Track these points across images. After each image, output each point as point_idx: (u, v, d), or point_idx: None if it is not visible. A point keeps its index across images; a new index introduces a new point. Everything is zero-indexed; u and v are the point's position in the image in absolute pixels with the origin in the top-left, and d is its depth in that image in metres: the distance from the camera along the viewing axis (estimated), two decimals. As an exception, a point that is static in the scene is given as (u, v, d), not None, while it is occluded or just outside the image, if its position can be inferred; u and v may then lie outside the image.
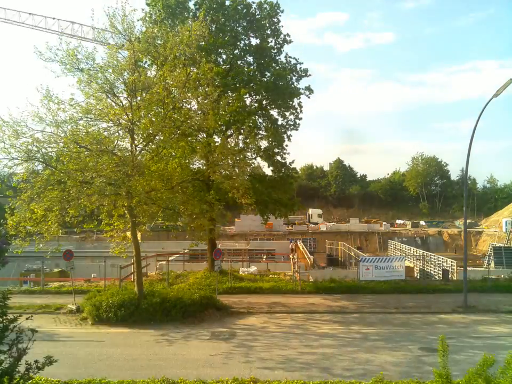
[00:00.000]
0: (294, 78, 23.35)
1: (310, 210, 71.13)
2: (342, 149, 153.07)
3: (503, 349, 11.59)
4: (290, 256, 28.31)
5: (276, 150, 23.41)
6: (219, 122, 21.09)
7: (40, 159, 14.31)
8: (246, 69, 23.09)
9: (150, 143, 16.14)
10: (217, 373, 10.43)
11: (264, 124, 23.57)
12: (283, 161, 23.73)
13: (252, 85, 22.71)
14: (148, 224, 18.86)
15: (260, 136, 23.11)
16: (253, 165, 21.75)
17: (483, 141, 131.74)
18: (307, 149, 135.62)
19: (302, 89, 23.55)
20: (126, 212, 15.72)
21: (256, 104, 23.35)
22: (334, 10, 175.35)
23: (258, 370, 10.70)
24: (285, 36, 23.20)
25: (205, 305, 16.41)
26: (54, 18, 49.64)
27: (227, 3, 22.44)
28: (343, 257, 40.07)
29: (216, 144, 19.29)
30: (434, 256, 30.79)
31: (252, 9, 22.65)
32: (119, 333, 14.29)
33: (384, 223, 66.54)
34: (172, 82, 16.01)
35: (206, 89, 17.39)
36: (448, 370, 6.28)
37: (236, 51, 22.76)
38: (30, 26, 49.79)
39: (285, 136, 23.39)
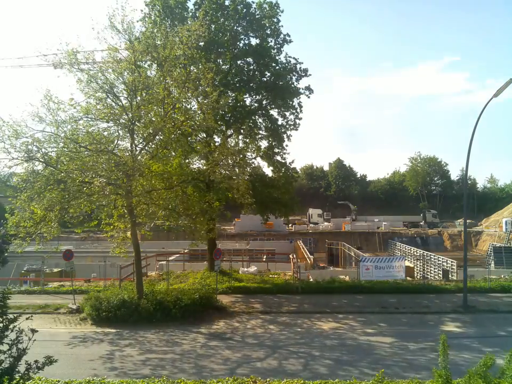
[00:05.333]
0: (294, 77, 23.36)
1: (310, 210, 71.16)
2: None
3: (503, 349, 11.61)
4: (291, 256, 28.32)
5: (276, 150, 23.44)
6: (219, 122, 21.09)
7: (40, 159, 14.32)
8: (246, 69, 23.09)
9: (150, 143, 16.14)
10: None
11: (264, 124, 23.59)
12: (283, 161, 23.75)
13: (251, 84, 22.72)
14: (147, 224, 18.87)
15: (260, 136, 23.14)
16: (253, 165, 21.76)
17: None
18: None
19: (302, 89, 23.59)
20: (126, 211, 15.72)
21: (256, 104, 23.36)
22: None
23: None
24: (284, 35, 23.20)
25: (205, 305, 16.42)
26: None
27: (227, 3, 22.43)
28: (343, 257, 40.06)
29: (216, 144, 19.30)
30: (434, 256, 30.77)
31: (251, 9, 22.64)
32: (119, 332, 14.28)
33: (384, 223, 66.53)
34: (172, 82, 16.01)
35: (206, 89, 17.39)
36: (448, 371, 6.28)
37: (236, 51, 22.76)
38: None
39: (285, 136, 23.41)
